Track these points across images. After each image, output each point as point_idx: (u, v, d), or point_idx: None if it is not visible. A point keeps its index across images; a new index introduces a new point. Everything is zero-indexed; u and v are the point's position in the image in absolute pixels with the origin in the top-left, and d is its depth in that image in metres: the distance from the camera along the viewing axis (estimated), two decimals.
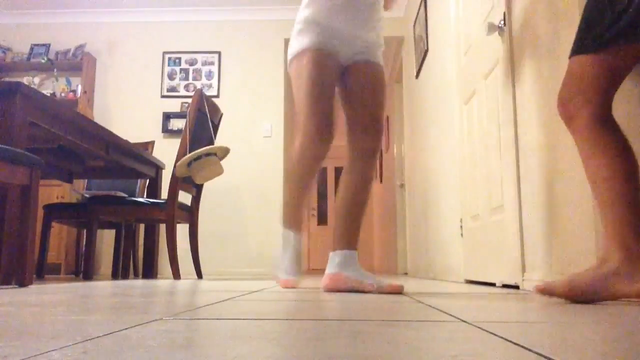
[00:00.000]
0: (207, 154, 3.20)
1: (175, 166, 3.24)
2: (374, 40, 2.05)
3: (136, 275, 4.10)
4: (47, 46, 5.43)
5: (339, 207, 2.02)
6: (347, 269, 1.88)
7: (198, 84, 5.36)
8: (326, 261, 9.23)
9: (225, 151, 3.36)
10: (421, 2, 4.18)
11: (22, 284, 2.06)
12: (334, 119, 2.03)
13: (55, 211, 3.61)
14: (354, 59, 2.05)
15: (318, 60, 1.97)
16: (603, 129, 1.22)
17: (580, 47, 1.26)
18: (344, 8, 1.98)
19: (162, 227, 3.94)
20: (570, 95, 1.27)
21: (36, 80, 5.26)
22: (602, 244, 1.31)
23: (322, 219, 9.71)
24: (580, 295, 1.21)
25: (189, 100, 5.25)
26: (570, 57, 1.30)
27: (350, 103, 2.05)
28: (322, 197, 9.83)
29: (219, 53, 5.41)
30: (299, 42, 2.03)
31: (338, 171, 9.87)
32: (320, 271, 7.78)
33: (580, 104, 1.25)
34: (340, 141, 8.43)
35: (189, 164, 3.16)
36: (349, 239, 1.96)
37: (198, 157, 3.17)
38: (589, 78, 1.24)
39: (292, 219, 2.13)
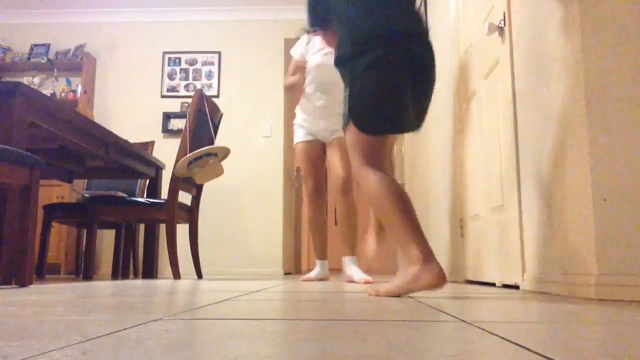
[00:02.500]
0: (208, 154, 3.20)
1: (175, 166, 3.23)
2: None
3: (136, 275, 4.10)
4: (47, 46, 5.43)
5: (341, 228, 3.11)
6: (350, 268, 2.96)
7: (198, 84, 5.36)
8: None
9: (225, 151, 3.36)
10: (421, 2, 4.17)
11: (22, 284, 2.06)
12: (323, 182, 3.21)
13: (55, 211, 3.61)
14: (330, 139, 3.16)
15: (305, 149, 3.19)
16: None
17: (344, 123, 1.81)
18: (321, 111, 3.11)
19: (162, 227, 3.94)
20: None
21: (36, 80, 5.26)
22: (402, 254, 1.68)
23: None
24: (401, 293, 1.61)
25: (189, 100, 5.24)
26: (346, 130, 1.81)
27: (329, 166, 3.21)
28: None
29: (219, 53, 5.41)
30: (296, 136, 3.25)
31: None
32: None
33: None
34: None
35: (189, 164, 3.16)
36: (352, 248, 3.03)
37: (198, 157, 3.17)
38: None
39: (318, 251, 3.26)
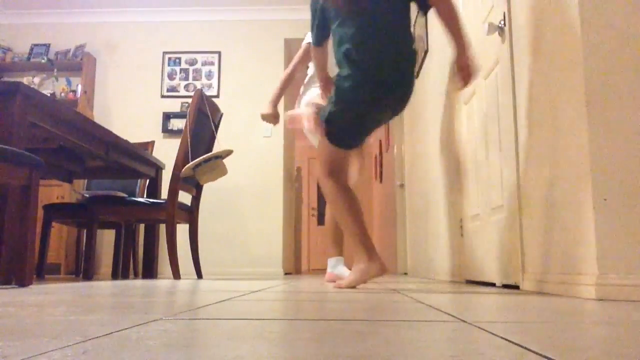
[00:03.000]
0: (216, 157, 3.23)
1: (174, 166, 3.24)
2: None
3: (136, 275, 4.10)
4: (47, 46, 5.43)
5: (328, 230, 3.02)
6: (336, 269, 2.95)
7: (198, 84, 5.36)
8: (325, 261, 9.37)
9: (228, 152, 3.38)
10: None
11: (22, 284, 2.06)
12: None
13: (55, 211, 3.61)
14: None
15: None
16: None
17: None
18: None
19: (162, 227, 3.94)
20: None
21: (36, 80, 5.26)
22: (355, 253, 2.09)
23: (321, 220, 9.70)
24: (356, 284, 2.05)
25: (189, 100, 5.24)
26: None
27: None
28: (322, 198, 9.83)
29: (219, 53, 5.41)
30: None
31: None
32: (320, 271, 7.78)
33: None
34: None
35: (196, 167, 3.18)
36: (338, 249, 3.00)
37: (207, 160, 3.19)
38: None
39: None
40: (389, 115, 2.23)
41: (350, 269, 2.84)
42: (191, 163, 3.14)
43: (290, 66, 3.15)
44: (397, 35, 2.08)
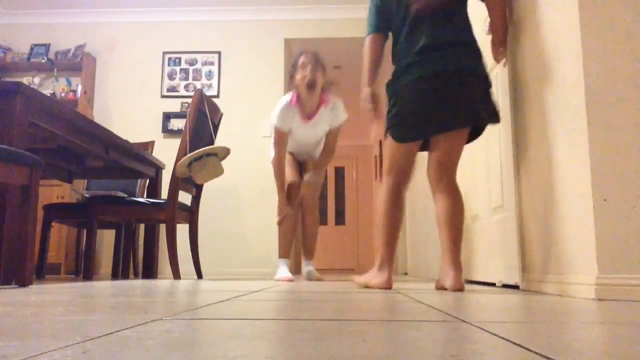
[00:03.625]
0: (208, 154, 3.20)
1: (174, 166, 3.23)
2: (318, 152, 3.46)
3: (136, 275, 4.10)
4: (47, 46, 5.43)
5: (304, 237, 3.48)
6: (311, 272, 3.41)
7: (198, 84, 5.36)
8: (331, 260, 9.41)
9: (226, 151, 3.35)
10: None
11: (22, 284, 2.06)
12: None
13: (55, 211, 3.61)
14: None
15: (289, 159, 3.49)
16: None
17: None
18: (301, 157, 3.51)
19: (162, 227, 3.93)
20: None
21: (36, 80, 5.25)
22: (376, 256, 2.16)
23: (321, 220, 9.71)
24: (364, 285, 2.11)
25: (189, 100, 5.24)
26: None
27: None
28: (322, 198, 9.85)
29: (219, 53, 5.41)
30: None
31: (338, 171, 9.88)
32: (320, 271, 7.76)
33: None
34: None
35: (189, 164, 3.16)
36: (312, 254, 3.50)
37: (199, 158, 3.16)
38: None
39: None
40: (460, 109, 1.96)
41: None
42: (182, 160, 3.12)
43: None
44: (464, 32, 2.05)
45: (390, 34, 2.17)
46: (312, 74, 2.99)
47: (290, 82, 3.19)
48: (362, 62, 2.18)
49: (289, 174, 3.38)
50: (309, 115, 3.15)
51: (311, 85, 3.01)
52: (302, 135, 3.25)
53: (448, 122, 1.96)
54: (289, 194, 3.32)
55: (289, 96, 3.14)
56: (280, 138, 3.20)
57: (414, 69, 1.97)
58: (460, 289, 1.90)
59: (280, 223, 3.31)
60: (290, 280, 3.05)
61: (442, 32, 1.99)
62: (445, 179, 2.07)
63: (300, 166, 3.52)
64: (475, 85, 1.96)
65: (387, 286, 2.01)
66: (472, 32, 2.06)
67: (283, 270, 3.24)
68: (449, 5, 2.03)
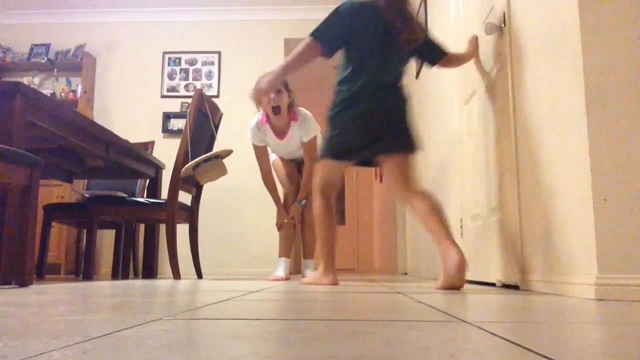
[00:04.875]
0: (216, 157, 3.23)
1: (174, 166, 3.24)
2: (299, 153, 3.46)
3: (136, 275, 4.10)
4: (47, 46, 5.43)
5: (304, 237, 3.53)
6: (307, 271, 3.43)
7: (198, 84, 5.36)
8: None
9: (228, 152, 3.38)
10: (421, 2, 4.17)
11: (22, 284, 2.06)
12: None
13: (55, 211, 3.61)
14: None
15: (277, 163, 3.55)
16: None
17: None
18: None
19: (162, 227, 3.94)
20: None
21: (36, 80, 5.25)
22: (317, 260, 2.60)
23: None
24: (313, 284, 2.45)
25: (189, 100, 5.24)
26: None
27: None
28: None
29: (219, 53, 5.41)
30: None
31: None
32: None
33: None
34: None
35: (195, 167, 3.17)
36: (310, 252, 3.52)
37: (206, 160, 3.19)
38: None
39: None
40: (387, 147, 2.32)
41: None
42: (190, 163, 3.14)
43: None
44: (397, 86, 2.37)
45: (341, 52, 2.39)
46: (274, 100, 3.14)
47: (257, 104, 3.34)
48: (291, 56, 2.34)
49: (285, 183, 3.48)
50: (281, 134, 3.30)
51: (276, 112, 3.18)
52: (281, 149, 3.41)
53: (379, 149, 2.31)
54: (286, 204, 3.44)
55: (259, 115, 3.31)
56: (259, 153, 3.37)
57: (361, 105, 2.26)
58: (464, 262, 1.99)
59: (280, 228, 3.44)
60: (283, 279, 3.16)
61: (392, 75, 2.33)
62: (412, 185, 2.29)
63: (296, 165, 3.55)
64: (401, 120, 2.31)
65: (335, 283, 2.42)
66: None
67: (279, 270, 3.33)
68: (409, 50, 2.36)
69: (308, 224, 3.47)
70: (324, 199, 2.48)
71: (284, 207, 3.44)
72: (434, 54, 2.46)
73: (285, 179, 3.47)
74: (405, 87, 2.40)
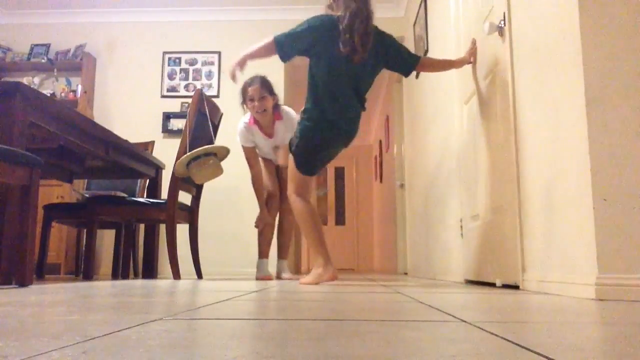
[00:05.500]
0: (206, 154, 3.19)
1: (174, 166, 3.23)
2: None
3: (136, 275, 4.10)
4: (47, 46, 5.43)
5: (280, 237, 3.73)
6: (284, 271, 3.69)
7: (198, 84, 5.36)
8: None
9: (225, 151, 3.36)
10: (421, 2, 4.17)
11: (22, 284, 2.06)
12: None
13: (55, 211, 3.61)
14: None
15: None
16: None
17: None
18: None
19: (162, 227, 3.93)
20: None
21: (36, 80, 5.25)
22: (314, 259, 2.59)
23: (322, 220, 9.73)
24: (314, 283, 2.47)
25: (189, 100, 5.24)
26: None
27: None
28: (324, 197, 9.85)
29: (219, 53, 5.41)
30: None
31: (338, 171, 9.88)
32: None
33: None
34: None
35: (188, 164, 3.15)
36: (286, 254, 3.74)
37: (197, 157, 3.16)
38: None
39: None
40: (339, 150, 2.73)
41: (290, 272, 3.78)
42: (180, 159, 3.13)
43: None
44: (361, 99, 2.62)
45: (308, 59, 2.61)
46: (260, 105, 3.38)
47: (243, 105, 3.54)
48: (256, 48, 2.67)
49: (268, 183, 3.65)
50: (269, 134, 3.51)
51: (261, 114, 3.42)
52: (268, 148, 3.62)
53: (333, 155, 2.74)
54: (269, 205, 3.62)
55: (246, 117, 3.53)
56: (249, 154, 3.57)
57: (325, 125, 2.54)
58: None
59: (260, 231, 3.62)
60: (271, 278, 3.46)
61: (357, 88, 2.57)
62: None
63: (275, 169, 3.73)
64: (355, 130, 2.65)
65: (336, 277, 2.54)
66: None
67: (262, 270, 3.57)
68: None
69: (285, 230, 3.68)
70: (303, 201, 2.64)
71: (267, 209, 3.61)
72: (403, 66, 2.68)
73: (269, 182, 3.65)
74: (367, 100, 2.66)
